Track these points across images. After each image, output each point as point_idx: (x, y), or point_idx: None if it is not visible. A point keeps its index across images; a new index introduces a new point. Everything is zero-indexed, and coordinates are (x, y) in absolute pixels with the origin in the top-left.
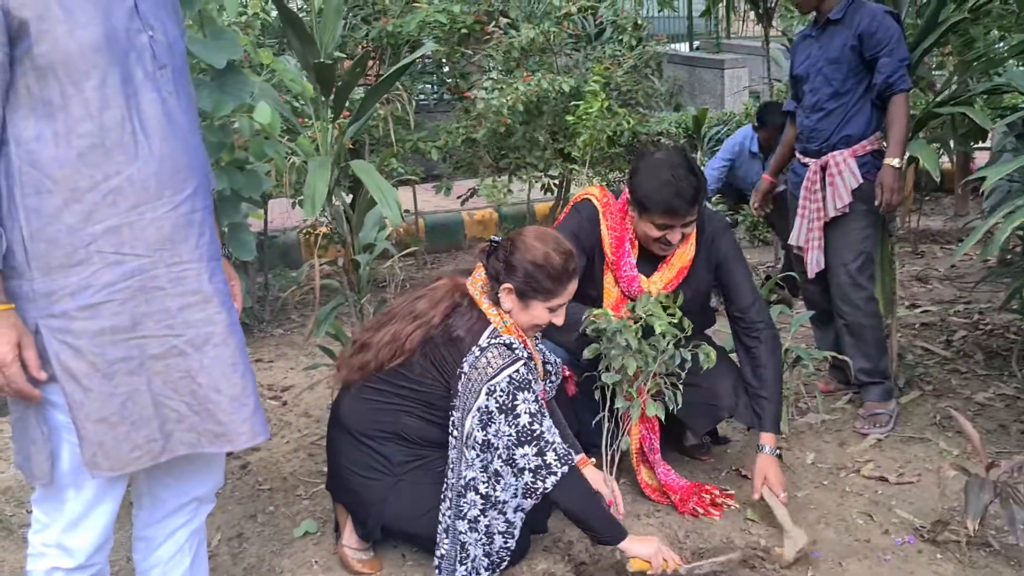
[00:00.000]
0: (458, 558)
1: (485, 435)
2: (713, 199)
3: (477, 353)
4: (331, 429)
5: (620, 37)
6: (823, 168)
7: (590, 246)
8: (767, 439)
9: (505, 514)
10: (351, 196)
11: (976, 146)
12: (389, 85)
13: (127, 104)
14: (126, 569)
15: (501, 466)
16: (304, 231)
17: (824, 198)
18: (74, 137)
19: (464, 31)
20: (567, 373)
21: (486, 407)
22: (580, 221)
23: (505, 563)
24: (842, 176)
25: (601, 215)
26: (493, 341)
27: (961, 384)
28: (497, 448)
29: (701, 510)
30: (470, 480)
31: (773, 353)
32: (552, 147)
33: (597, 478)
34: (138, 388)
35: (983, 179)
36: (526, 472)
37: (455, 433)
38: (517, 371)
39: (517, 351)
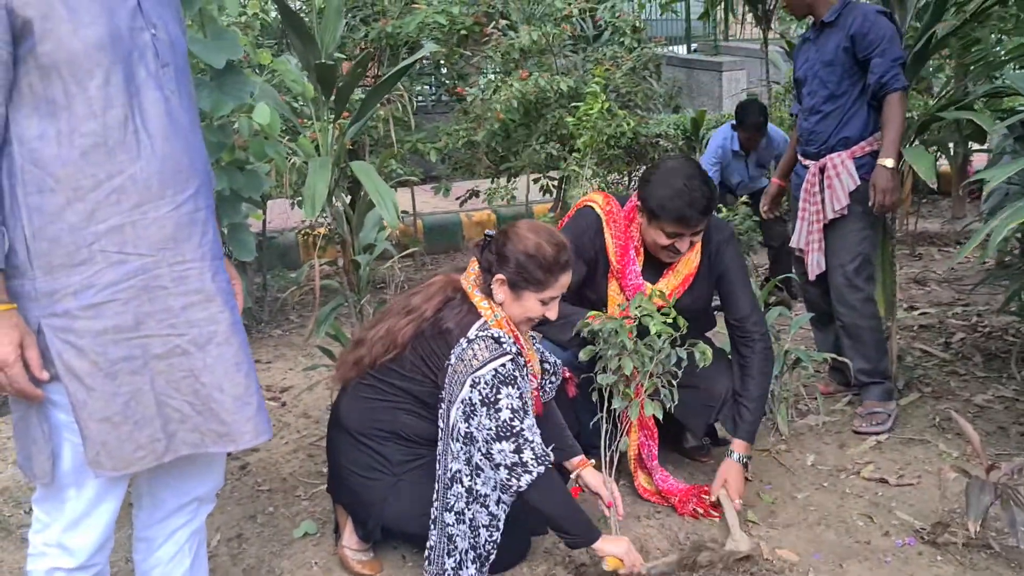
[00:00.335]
0: (446, 550)
1: (468, 427)
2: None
3: (464, 345)
4: (331, 430)
5: (619, 39)
6: (821, 170)
7: (592, 253)
8: (738, 446)
9: (488, 507)
10: (351, 197)
11: (974, 148)
12: (389, 86)
13: (130, 103)
14: (126, 569)
15: (480, 460)
16: (302, 232)
17: (823, 200)
18: (77, 136)
19: (463, 32)
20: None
21: (469, 399)
22: (582, 227)
23: (493, 556)
24: (840, 178)
25: (604, 223)
26: (481, 334)
27: (960, 386)
28: (477, 441)
29: (701, 511)
30: (455, 472)
31: (764, 366)
32: (551, 147)
33: (596, 479)
34: (141, 388)
35: (982, 181)
36: (502, 468)
37: (442, 425)
38: (503, 365)
39: (505, 345)
